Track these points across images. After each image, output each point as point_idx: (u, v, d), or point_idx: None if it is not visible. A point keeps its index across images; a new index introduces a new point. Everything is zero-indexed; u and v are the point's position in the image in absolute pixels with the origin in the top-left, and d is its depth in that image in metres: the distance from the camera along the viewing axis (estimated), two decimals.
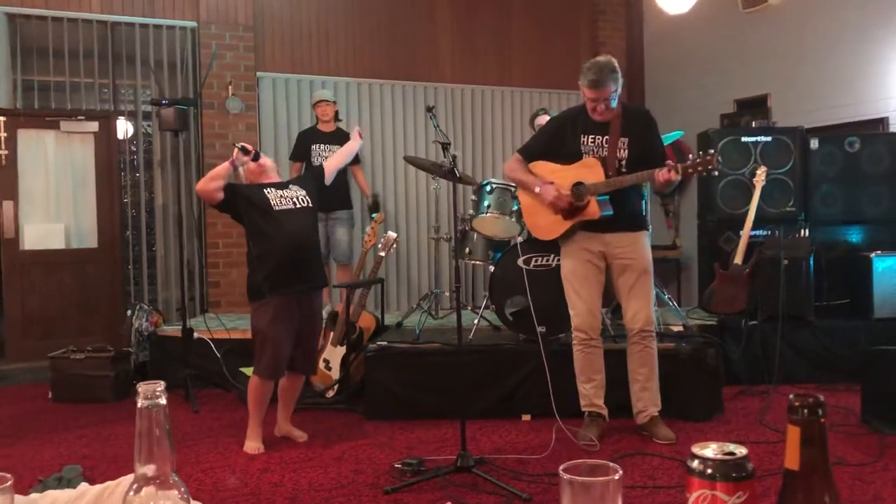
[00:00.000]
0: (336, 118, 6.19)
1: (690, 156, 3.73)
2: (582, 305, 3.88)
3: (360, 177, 6.32)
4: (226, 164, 3.89)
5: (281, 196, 3.92)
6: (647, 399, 3.89)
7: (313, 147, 6.04)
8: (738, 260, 5.20)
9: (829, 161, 5.61)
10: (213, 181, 3.84)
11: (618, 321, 4.70)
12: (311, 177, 4.35)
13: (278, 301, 3.84)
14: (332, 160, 4.49)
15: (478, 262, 5.33)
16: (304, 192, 4.02)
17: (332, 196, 5.88)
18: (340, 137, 6.12)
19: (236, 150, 3.88)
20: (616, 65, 3.73)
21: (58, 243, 6.46)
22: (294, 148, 6.19)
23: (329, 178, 4.33)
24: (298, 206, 3.95)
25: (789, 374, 4.92)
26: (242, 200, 3.88)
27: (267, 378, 3.91)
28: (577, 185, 3.75)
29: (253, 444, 3.88)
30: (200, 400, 4.90)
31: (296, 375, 4.11)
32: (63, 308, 6.42)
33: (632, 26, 8.46)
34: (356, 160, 6.22)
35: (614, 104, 3.76)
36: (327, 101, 6.11)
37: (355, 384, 4.83)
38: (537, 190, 3.84)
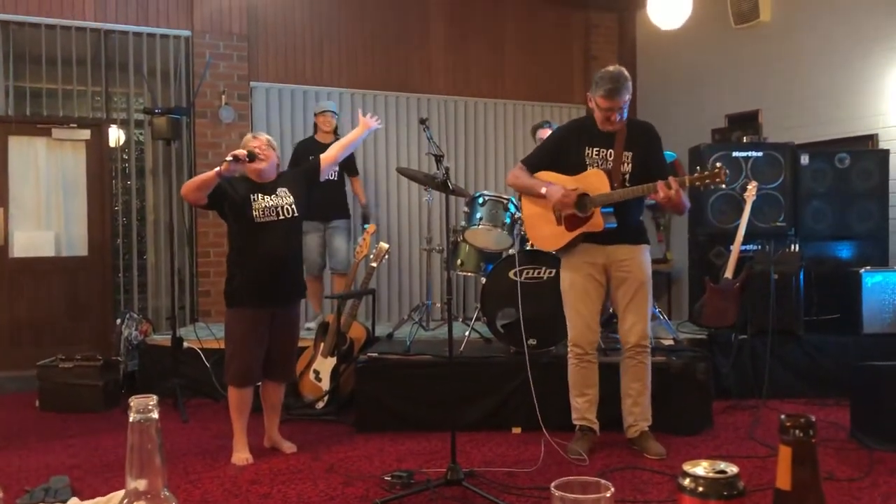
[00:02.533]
0: (334, 132, 6.17)
1: (698, 168, 3.74)
2: (580, 320, 3.88)
3: (357, 187, 6.30)
4: (212, 175, 3.67)
5: (265, 206, 3.84)
6: (638, 414, 3.89)
7: (311, 158, 6.01)
8: (728, 274, 5.22)
9: (820, 176, 5.64)
10: (197, 191, 3.73)
11: (609, 334, 4.71)
12: (303, 177, 4.12)
13: (251, 311, 3.83)
14: (330, 151, 4.27)
15: (469, 274, 5.34)
16: (290, 200, 3.91)
17: (330, 205, 5.89)
18: None
19: (226, 162, 3.69)
20: (627, 74, 3.74)
21: (48, 251, 6.43)
22: (291, 159, 6.16)
23: (325, 172, 4.19)
24: (282, 217, 3.87)
25: (779, 389, 4.94)
26: (227, 204, 3.84)
27: (236, 385, 3.86)
28: (582, 196, 3.76)
29: (241, 455, 3.85)
30: (189, 409, 4.88)
31: (275, 384, 4.07)
32: (52, 316, 6.39)
33: (624, 41, 8.52)
34: (354, 171, 6.21)
35: (626, 114, 3.78)
36: (334, 112, 6.08)
37: (345, 395, 4.82)
38: (543, 191, 3.80)
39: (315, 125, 6.16)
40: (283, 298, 3.93)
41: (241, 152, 3.76)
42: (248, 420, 3.93)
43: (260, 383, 4.04)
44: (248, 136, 4.00)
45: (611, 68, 3.78)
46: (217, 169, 3.68)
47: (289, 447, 4.04)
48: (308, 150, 6.02)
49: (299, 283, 4.13)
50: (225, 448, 4.09)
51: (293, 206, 3.92)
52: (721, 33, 7.20)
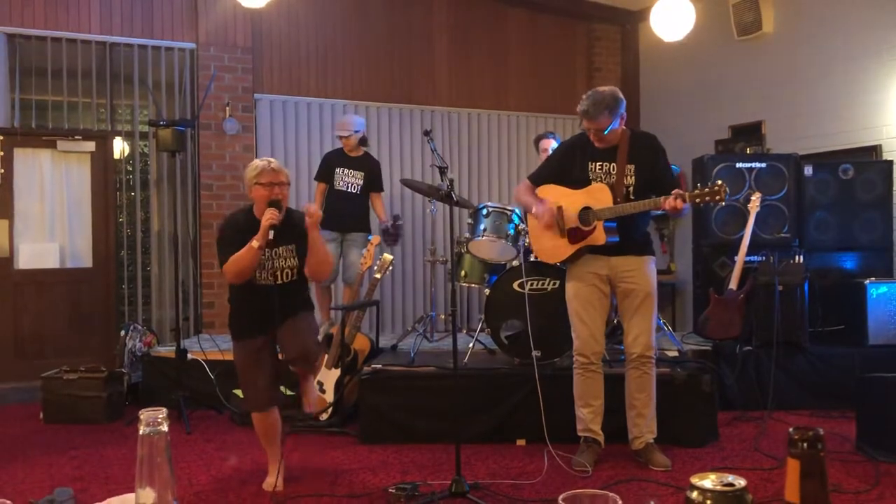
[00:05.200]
0: (364, 143, 6.15)
1: (698, 185, 3.74)
2: (584, 330, 3.88)
3: (378, 204, 6.28)
4: (255, 251, 3.41)
5: (264, 267, 3.55)
6: (643, 425, 3.88)
7: (337, 170, 6.01)
8: (732, 285, 5.22)
9: (823, 188, 5.64)
10: (249, 270, 3.48)
11: (613, 345, 4.71)
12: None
13: (249, 340, 3.65)
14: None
15: (473, 286, 5.34)
16: (294, 264, 3.62)
17: (348, 217, 5.89)
18: (364, 163, 6.10)
19: (271, 232, 3.40)
20: (615, 98, 3.72)
21: (52, 263, 6.44)
22: (319, 168, 6.20)
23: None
24: (280, 281, 3.58)
25: (784, 401, 4.92)
26: (238, 244, 3.52)
27: (258, 410, 3.65)
28: (584, 209, 3.77)
29: (269, 480, 3.66)
30: (193, 421, 4.87)
31: (301, 371, 3.84)
32: (56, 328, 6.39)
33: (627, 53, 8.54)
34: (378, 188, 6.18)
35: (615, 126, 3.77)
36: (342, 136, 6.06)
37: (349, 407, 4.82)
38: (534, 210, 3.85)
39: None
40: (281, 317, 3.63)
41: (274, 214, 3.44)
42: (279, 445, 3.71)
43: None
44: (264, 164, 3.55)
45: (601, 88, 3.80)
46: (257, 243, 3.41)
47: (307, 402, 3.90)
48: (334, 162, 6.05)
49: (296, 308, 3.70)
50: (229, 460, 4.09)
51: (294, 270, 3.63)
52: (724, 45, 7.22)
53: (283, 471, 3.63)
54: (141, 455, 0.84)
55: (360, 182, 6.03)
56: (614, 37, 8.56)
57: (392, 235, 6.07)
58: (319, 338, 5.22)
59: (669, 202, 3.60)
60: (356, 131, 6.04)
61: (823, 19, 6.35)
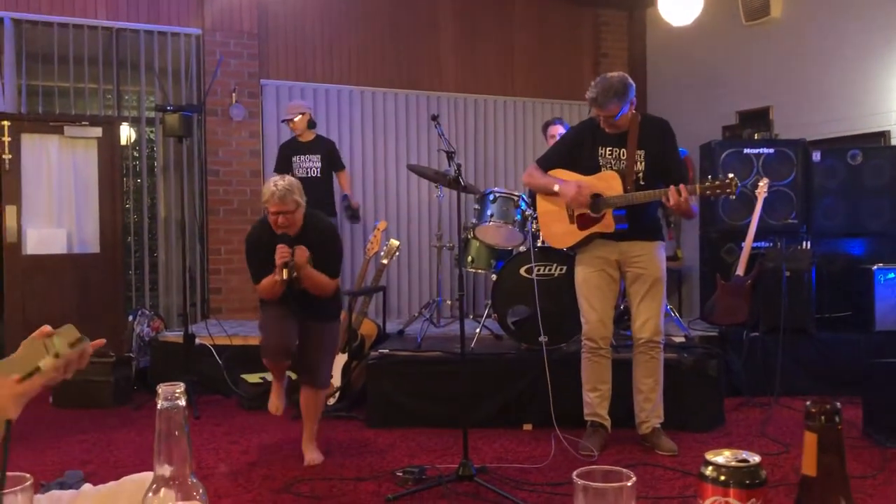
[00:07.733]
0: (311, 126, 6.18)
1: (709, 177, 3.69)
2: (593, 315, 3.88)
3: (343, 181, 6.29)
4: (278, 283, 3.58)
5: (284, 280, 3.64)
6: (650, 410, 3.89)
7: (294, 158, 6.04)
8: (739, 271, 5.20)
9: (831, 173, 5.61)
10: (278, 294, 3.66)
11: (620, 331, 4.71)
12: (325, 254, 3.82)
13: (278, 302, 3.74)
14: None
15: (480, 271, 5.33)
16: None
17: (314, 203, 5.88)
18: (319, 146, 6.12)
19: (285, 271, 3.54)
20: (624, 84, 3.68)
21: (60, 248, 6.46)
22: (276, 161, 6.21)
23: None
24: (297, 287, 3.67)
25: (790, 386, 4.91)
26: (262, 262, 3.69)
27: (265, 356, 3.72)
28: (595, 196, 3.76)
29: (273, 402, 3.86)
30: (201, 406, 4.89)
31: (304, 388, 3.88)
32: (64, 313, 6.39)
33: (634, 38, 8.49)
34: (339, 166, 6.22)
35: (623, 110, 3.74)
36: (288, 120, 6.08)
37: (356, 392, 4.83)
38: (556, 188, 3.81)
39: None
40: (307, 317, 3.81)
41: (286, 253, 3.57)
42: (284, 381, 3.94)
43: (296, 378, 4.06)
44: (273, 190, 3.60)
45: (610, 75, 3.76)
46: (277, 278, 3.56)
47: (309, 460, 3.81)
48: (290, 150, 6.09)
49: (323, 311, 3.86)
50: (237, 444, 4.12)
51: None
52: (732, 30, 7.17)
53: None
54: (159, 429, 0.84)
55: (319, 165, 6.06)
56: (621, 22, 8.51)
57: (354, 212, 6.18)
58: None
59: (673, 195, 3.55)
60: (301, 114, 6.08)
61: (832, 4, 6.30)
